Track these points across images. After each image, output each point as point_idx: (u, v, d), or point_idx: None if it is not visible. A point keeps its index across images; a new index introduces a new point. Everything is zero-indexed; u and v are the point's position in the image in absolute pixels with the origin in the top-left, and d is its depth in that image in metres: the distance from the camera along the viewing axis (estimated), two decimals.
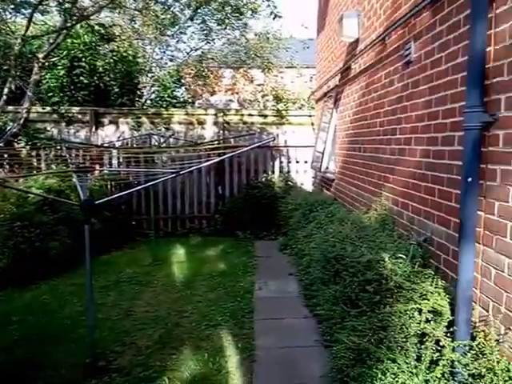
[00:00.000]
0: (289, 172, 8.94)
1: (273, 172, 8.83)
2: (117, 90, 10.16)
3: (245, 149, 5.42)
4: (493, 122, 2.47)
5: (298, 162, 8.94)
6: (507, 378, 2.21)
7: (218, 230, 8.16)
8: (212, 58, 13.85)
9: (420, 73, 3.56)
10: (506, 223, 2.36)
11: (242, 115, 9.09)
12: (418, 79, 3.61)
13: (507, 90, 2.36)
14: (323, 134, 7.35)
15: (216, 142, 8.32)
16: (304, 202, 6.64)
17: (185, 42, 17.58)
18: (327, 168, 7.36)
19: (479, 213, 2.59)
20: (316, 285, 4.22)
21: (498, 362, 2.28)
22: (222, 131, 8.84)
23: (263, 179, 8.59)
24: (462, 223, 2.57)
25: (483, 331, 2.48)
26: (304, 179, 8.95)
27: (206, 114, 8.96)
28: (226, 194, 8.67)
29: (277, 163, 8.90)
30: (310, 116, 9.15)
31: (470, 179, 2.51)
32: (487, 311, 2.55)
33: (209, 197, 8.65)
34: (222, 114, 8.90)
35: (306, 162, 8.83)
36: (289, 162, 8.96)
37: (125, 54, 10.68)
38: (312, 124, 9.00)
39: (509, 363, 2.29)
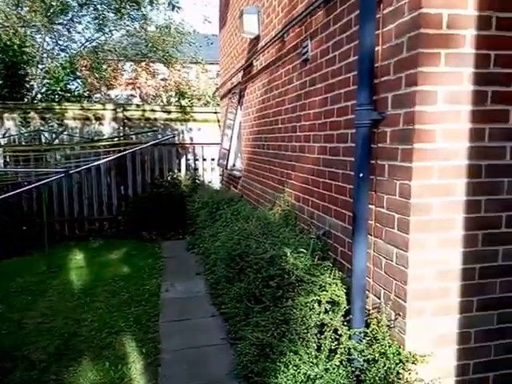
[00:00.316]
0: (196, 170, 8.79)
1: (179, 170, 8.63)
2: (0, 82, 9.17)
3: (146, 145, 5.22)
4: (381, 120, 2.59)
5: (205, 159, 8.84)
6: (398, 361, 2.36)
7: (122, 232, 7.78)
8: (110, 50, 13.12)
9: (316, 71, 3.65)
10: (393, 215, 2.50)
11: (144, 111, 8.69)
12: (314, 77, 3.70)
13: (393, 88, 2.48)
14: (229, 131, 7.33)
15: (116, 139, 7.89)
16: (211, 200, 6.58)
17: (79, 32, 16.42)
18: (234, 165, 7.37)
19: (370, 206, 2.71)
20: (222, 283, 4.19)
21: (389, 347, 2.41)
22: (122, 127, 8.37)
23: (169, 178, 8.35)
24: (355, 216, 2.68)
25: (376, 318, 2.60)
26: (212, 177, 8.88)
27: (104, 109, 8.40)
28: (129, 194, 8.26)
29: (183, 161, 8.70)
30: (216, 113, 9.09)
31: (361, 174, 2.62)
32: (379, 299, 2.69)
33: (110, 197, 8.18)
34: (121, 109, 8.43)
35: (213, 159, 8.76)
36: (196, 160, 8.81)
37: (9, 43, 9.67)
38: (218, 121, 8.94)
39: (399, 347, 2.43)
